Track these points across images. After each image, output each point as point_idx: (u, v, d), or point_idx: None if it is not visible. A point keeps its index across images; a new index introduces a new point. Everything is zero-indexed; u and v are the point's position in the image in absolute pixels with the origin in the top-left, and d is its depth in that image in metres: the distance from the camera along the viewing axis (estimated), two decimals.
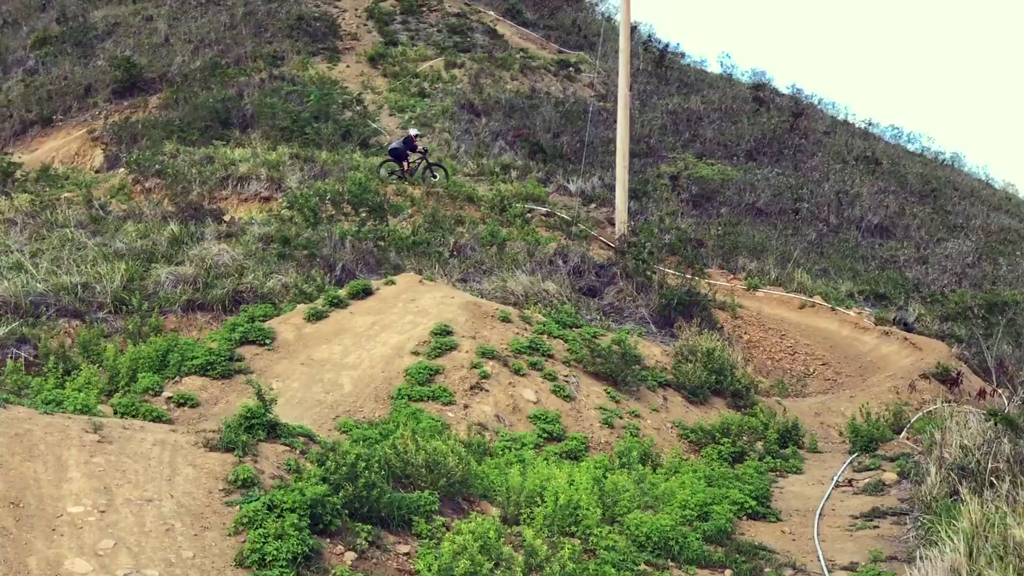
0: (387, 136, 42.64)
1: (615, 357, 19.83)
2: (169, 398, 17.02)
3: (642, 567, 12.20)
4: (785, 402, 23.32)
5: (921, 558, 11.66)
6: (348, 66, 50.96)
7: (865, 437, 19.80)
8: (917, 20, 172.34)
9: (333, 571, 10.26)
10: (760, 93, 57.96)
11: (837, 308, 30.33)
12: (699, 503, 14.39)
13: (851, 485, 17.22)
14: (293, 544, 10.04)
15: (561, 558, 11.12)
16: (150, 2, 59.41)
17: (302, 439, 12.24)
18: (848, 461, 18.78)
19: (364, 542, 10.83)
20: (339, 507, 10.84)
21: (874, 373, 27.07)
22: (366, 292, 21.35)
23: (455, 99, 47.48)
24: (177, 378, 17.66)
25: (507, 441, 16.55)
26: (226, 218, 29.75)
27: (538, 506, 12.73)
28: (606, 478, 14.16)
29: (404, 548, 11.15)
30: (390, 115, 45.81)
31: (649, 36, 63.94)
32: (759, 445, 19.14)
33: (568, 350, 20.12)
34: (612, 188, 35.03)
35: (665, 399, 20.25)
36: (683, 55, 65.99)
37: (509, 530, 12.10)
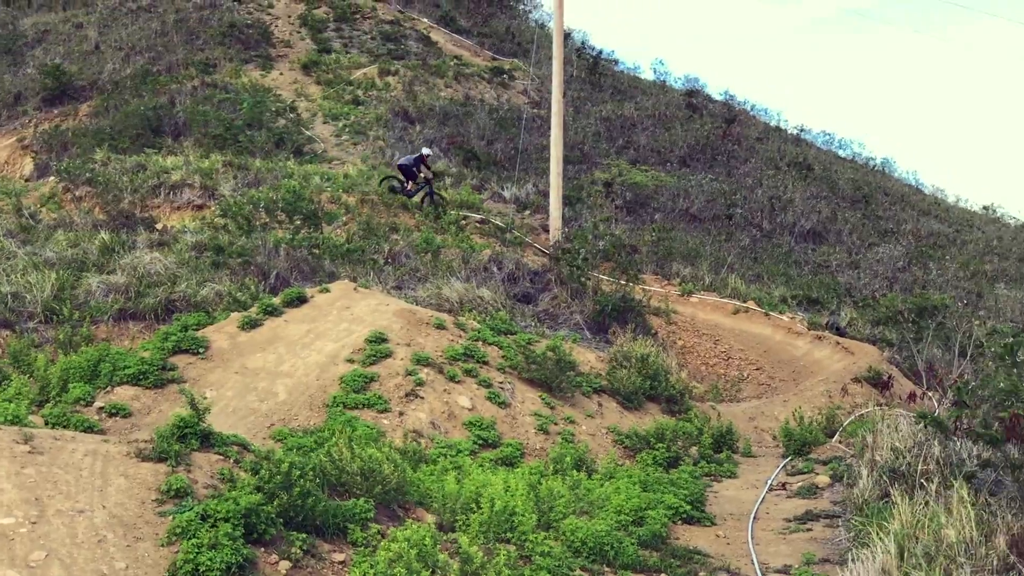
0: (321, 144, 42.50)
1: (550, 363, 19.88)
2: (101, 408, 16.84)
3: (577, 572, 12.26)
4: (719, 407, 23.45)
5: (853, 560, 11.83)
6: (281, 73, 50.78)
7: (798, 441, 20.03)
8: (849, 30, 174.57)
9: None
10: (693, 100, 58.45)
11: (770, 313, 30.55)
12: (634, 508, 14.45)
13: (785, 489, 17.40)
14: (227, 554, 9.97)
15: (497, 564, 11.14)
16: (80, 9, 58.90)
17: (236, 448, 12.16)
18: (781, 465, 18.98)
19: (299, 551, 10.78)
20: (274, 516, 10.79)
21: (807, 377, 27.30)
22: (300, 300, 21.23)
23: (389, 106, 47.48)
24: (109, 388, 17.48)
25: (443, 448, 16.56)
26: (158, 226, 29.44)
27: (474, 513, 12.73)
28: (541, 484, 14.19)
29: (339, 556, 11.12)
30: (324, 123, 45.68)
31: (583, 43, 64.30)
32: (693, 450, 19.28)
33: (503, 357, 20.15)
34: (546, 195, 35.13)
35: (600, 405, 20.32)
36: (617, 62, 66.50)
37: (445, 537, 12.10)
